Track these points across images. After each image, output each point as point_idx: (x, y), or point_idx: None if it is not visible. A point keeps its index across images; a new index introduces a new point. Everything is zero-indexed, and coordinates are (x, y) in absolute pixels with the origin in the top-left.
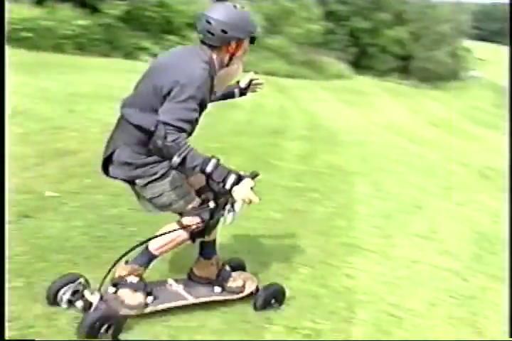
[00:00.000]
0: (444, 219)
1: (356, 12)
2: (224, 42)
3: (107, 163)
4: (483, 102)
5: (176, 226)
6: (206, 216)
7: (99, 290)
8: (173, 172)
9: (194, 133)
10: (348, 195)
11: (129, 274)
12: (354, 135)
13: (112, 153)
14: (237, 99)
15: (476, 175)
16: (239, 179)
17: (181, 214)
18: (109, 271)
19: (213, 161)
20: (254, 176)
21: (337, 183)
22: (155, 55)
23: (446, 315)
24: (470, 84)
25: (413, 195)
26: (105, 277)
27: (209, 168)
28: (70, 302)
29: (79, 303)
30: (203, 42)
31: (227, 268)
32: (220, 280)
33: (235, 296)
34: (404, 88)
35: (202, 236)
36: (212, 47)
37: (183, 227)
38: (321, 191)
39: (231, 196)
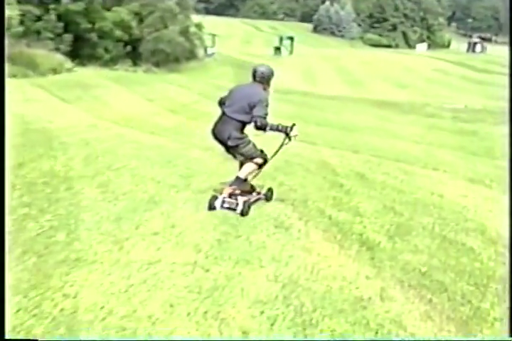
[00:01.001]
0: (183, 210)
1: None
2: (268, 81)
3: (225, 141)
4: (224, 79)
5: (252, 164)
6: (266, 156)
7: (236, 199)
8: (251, 141)
9: None
10: (70, 204)
11: (234, 190)
12: (77, 134)
13: (228, 136)
14: None
15: (220, 158)
16: (292, 127)
17: (252, 158)
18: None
19: (281, 125)
20: (293, 125)
21: (55, 192)
22: None
23: (187, 313)
24: (208, 63)
25: (148, 191)
26: (231, 194)
27: (280, 127)
28: (222, 206)
29: (226, 205)
30: (255, 80)
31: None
32: (254, 189)
33: (261, 196)
34: (136, 75)
35: (262, 168)
36: (261, 83)
37: (256, 163)
38: (35, 205)
39: (289, 136)
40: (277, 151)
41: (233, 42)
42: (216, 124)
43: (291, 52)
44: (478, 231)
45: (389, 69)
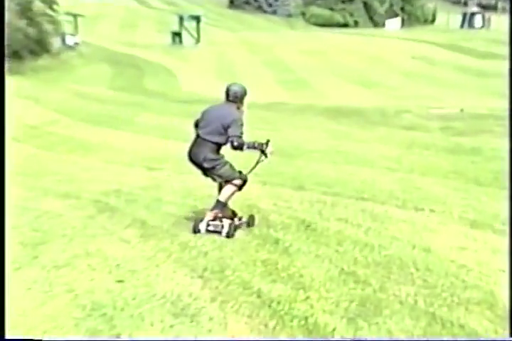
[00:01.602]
0: (25, 299)
1: None
2: (241, 100)
3: (200, 163)
4: (97, 84)
5: (232, 186)
6: (245, 177)
7: (221, 221)
8: (228, 162)
9: None
10: None
11: (217, 214)
12: None
13: (203, 158)
14: None
15: (89, 210)
16: (267, 143)
17: (230, 181)
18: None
19: (257, 143)
20: (268, 141)
21: None
22: None
23: None
24: (69, 59)
25: None
26: (220, 216)
27: (256, 145)
28: (207, 230)
29: (211, 228)
30: (228, 100)
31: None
32: (236, 215)
33: (242, 221)
34: None
35: (241, 189)
36: (235, 102)
37: (235, 185)
38: None
39: (265, 152)
40: (252, 169)
41: (108, 25)
42: (191, 147)
43: (197, 39)
44: (484, 304)
45: (346, 60)
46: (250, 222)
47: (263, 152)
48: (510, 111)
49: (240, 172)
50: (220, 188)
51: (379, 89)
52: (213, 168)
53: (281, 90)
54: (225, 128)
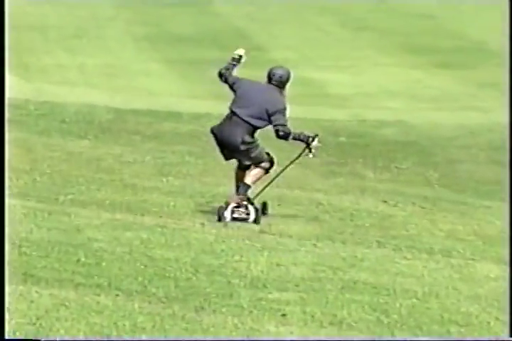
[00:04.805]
0: None
1: None
2: (285, 85)
3: (236, 145)
4: None
5: (260, 169)
6: (273, 160)
7: (246, 208)
8: (260, 145)
9: None
10: None
11: (242, 199)
12: None
13: (241, 141)
14: None
15: None
16: (314, 137)
17: (258, 163)
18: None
19: (303, 134)
20: (316, 135)
21: None
22: None
23: None
24: None
25: None
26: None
27: (302, 136)
28: (232, 217)
29: (235, 215)
30: (271, 83)
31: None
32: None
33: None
34: None
35: (268, 172)
36: (279, 87)
37: (263, 168)
38: None
39: (309, 146)
40: (293, 162)
41: None
42: (223, 125)
43: None
44: None
45: None
46: (264, 209)
47: (308, 146)
48: (511, 121)
49: (268, 154)
50: (239, 172)
51: None
52: (247, 150)
53: None
54: (269, 115)
